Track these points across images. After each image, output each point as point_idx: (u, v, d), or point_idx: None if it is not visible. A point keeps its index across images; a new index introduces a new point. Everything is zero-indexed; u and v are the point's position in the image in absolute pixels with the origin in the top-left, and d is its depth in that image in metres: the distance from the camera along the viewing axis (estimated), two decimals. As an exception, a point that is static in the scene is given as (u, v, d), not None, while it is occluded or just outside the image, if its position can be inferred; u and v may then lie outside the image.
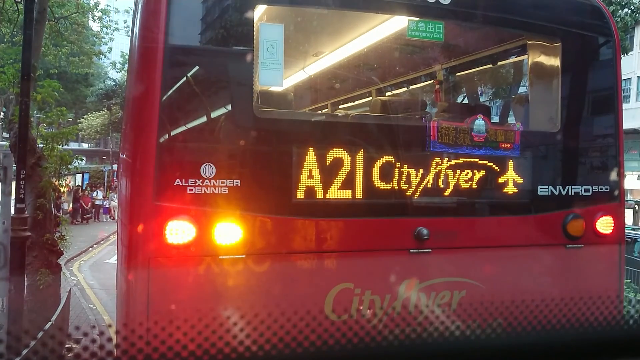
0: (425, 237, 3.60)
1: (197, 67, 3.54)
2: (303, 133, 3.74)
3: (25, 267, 7.04)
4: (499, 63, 5.89)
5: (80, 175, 29.27)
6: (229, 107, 3.56)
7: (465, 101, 7.13)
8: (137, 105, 3.70)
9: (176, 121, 3.39)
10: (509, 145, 3.95)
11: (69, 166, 9.49)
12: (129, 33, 5.60)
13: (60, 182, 9.89)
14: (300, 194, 3.45)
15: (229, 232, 3.27)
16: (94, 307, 11.25)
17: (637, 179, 25.22)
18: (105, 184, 32.78)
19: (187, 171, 3.25)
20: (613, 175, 4.28)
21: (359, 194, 3.57)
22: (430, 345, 1.42)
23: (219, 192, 3.27)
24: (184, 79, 3.46)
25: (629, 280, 11.28)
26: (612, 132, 4.33)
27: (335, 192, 3.51)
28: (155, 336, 1.25)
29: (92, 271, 15.47)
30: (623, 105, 4.64)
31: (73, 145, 34.79)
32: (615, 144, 4.30)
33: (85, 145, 51.68)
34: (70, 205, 26.30)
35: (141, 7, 3.56)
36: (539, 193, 4.03)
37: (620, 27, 15.32)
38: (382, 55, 6.13)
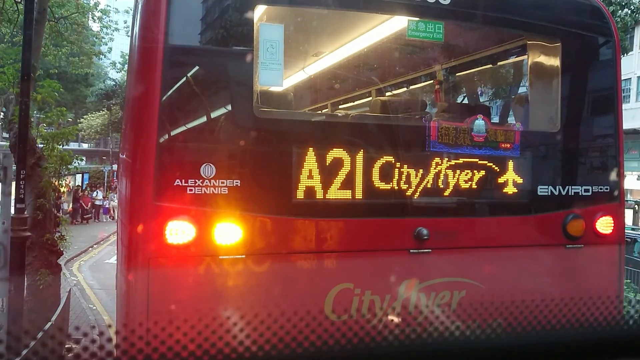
0: (425, 237, 3.60)
1: (197, 67, 3.54)
2: (303, 133, 3.74)
3: (25, 267, 7.03)
4: (499, 63, 5.88)
5: (80, 175, 29.28)
6: (229, 107, 3.56)
7: (465, 101, 7.13)
8: (137, 106, 3.70)
9: (176, 121, 3.39)
10: (508, 146, 3.95)
11: (69, 166, 9.50)
12: (129, 33, 5.61)
13: (60, 182, 9.91)
14: (300, 194, 3.45)
15: (229, 232, 3.27)
16: (94, 307, 11.23)
17: (637, 179, 25.22)
18: (105, 184, 32.79)
19: (187, 171, 3.25)
20: (613, 176, 4.28)
21: (359, 194, 3.57)
22: (430, 345, 1.42)
23: (219, 192, 3.27)
24: (184, 79, 3.46)
25: (629, 280, 11.28)
26: (612, 132, 4.33)
27: (335, 192, 3.51)
28: (155, 336, 1.25)
29: (92, 271, 15.46)
30: (623, 105, 4.65)
31: (73, 146, 34.73)
32: (615, 144, 4.31)
33: (85, 146, 51.66)
34: (70, 206, 26.29)
35: (141, 7, 3.57)
36: (539, 193, 4.03)
37: (620, 27, 15.34)
38: (382, 55, 6.13)
